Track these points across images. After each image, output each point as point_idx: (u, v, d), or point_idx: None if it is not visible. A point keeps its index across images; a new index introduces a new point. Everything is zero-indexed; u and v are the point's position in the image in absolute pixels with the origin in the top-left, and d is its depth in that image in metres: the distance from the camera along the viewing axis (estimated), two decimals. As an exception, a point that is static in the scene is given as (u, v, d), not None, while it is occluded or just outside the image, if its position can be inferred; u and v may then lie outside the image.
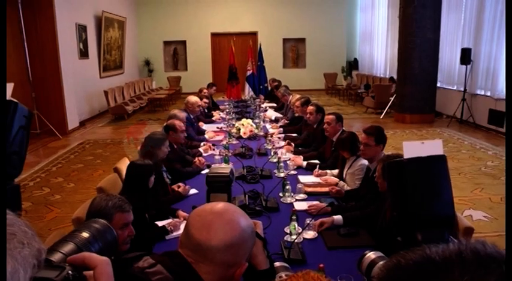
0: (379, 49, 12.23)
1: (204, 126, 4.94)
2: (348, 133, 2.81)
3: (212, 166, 2.43)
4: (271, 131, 4.60)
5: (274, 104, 7.08)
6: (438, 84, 8.37)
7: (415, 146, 1.00)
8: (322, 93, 13.55)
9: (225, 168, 1.87)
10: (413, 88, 7.93)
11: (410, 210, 1.00)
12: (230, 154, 3.47)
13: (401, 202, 1.02)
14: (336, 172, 2.99)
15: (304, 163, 3.20)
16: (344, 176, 2.80)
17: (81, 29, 8.82)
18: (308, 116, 3.84)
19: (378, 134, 2.41)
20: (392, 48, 10.65)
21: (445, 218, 0.99)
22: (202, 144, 3.94)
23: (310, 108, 3.79)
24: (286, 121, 5.06)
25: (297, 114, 4.66)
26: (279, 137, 4.17)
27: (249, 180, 2.82)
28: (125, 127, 8.41)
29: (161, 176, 2.57)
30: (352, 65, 13.97)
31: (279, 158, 3.15)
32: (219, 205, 0.79)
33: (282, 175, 2.94)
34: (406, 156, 1.03)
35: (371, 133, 2.42)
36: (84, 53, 8.95)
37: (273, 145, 3.75)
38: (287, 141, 3.90)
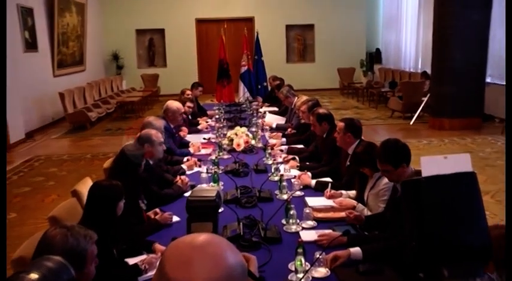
0: (408, 37, 12.35)
1: (187, 136, 5.00)
2: (365, 145, 2.85)
3: (195, 187, 2.47)
4: (271, 142, 4.66)
5: (276, 108, 7.15)
6: (488, 80, 7.97)
7: (437, 161, 1.02)
8: (335, 93, 13.73)
9: (210, 190, 1.91)
10: (454, 85, 7.62)
11: (431, 239, 0.99)
12: (220, 172, 3.51)
13: (419, 229, 1.03)
14: (353, 193, 3.03)
15: (313, 182, 3.24)
16: (365, 198, 2.83)
17: (26, 13, 8.34)
18: (312, 127, 3.91)
19: (394, 157, 2.36)
20: (425, 35, 10.66)
21: (478, 249, 0.97)
22: (185, 159, 3.99)
23: (312, 118, 3.85)
24: (290, 130, 5.13)
25: (303, 121, 4.73)
26: (282, 150, 4.23)
27: (244, 204, 2.86)
28: (87, 139, 8.42)
29: (134, 201, 2.61)
30: (374, 57, 14.19)
31: (282, 176, 3.18)
32: (201, 237, 0.77)
33: (285, 196, 2.98)
34: (424, 174, 1.03)
35: (385, 160, 2.37)
36: (31, 45, 8.61)
37: (274, 160, 3.80)
38: (288, 157, 3.95)
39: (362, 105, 11.53)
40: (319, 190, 3.14)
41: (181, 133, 4.96)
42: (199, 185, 3.19)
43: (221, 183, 3.33)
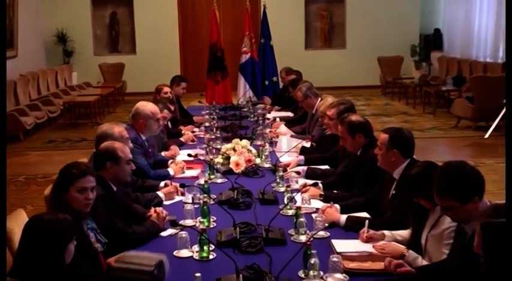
0: (483, 13, 12.05)
1: (166, 152, 5.04)
2: (422, 166, 2.87)
3: (125, 253, 2.56)
4: (284, 160, 4.69)
5: (290, 113, 7.21)
6: None
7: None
8: (375, 93, 13.86)
9: (147, 258, 1.90)
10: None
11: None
12: (212, 202, 3.54)
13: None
14: (402, 234, 3.05)
15: (343, 218, 3.26)
16: (423, 241, 2.84)
17: None
18: (341, 140, 3.95)
19: (459, 188, 2.36)
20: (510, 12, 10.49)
21: None
22: (162, 184, 4.02)
23: (341, 128, 3.89)
24: (310, 143, 5.17)
25: (329, 132, 4.77)
26: (299, 172, 4.26)
27: (245, 248, 2.88)
28: (20, 155, 8.50)
29: (86, 241, 2.63)
30: (432, 42, 14.32)
31: (298, 209, 3.21)
32: None
33: (303, 238, 3.00)
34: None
35: (446, 192, 2.38)
36: None
37: (288, 186, 3.83)
38: (307, 182, 3.96)
39: (413, 110, 11.60)
40: (351, 229, 3.16)
41: (169, 153, 5.01)
42: (181, 221, 3.21)
43: (213, 218, 3.35)
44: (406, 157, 3.28)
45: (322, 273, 2.58)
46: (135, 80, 13.56)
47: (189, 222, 3.25)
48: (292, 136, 5.60)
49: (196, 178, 4.21)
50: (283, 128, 5.97)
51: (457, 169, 2.42)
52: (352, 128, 3.82)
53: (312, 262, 2.56)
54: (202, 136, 5.81)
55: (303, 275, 2.59)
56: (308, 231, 3.08)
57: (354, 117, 3.89)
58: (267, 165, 4.59)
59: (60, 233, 2.20)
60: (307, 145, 5.15)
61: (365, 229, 3.03)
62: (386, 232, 3.05)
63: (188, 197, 3.70)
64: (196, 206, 3.45)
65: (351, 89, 13.66)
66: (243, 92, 9.33)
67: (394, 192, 3.27)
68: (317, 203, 3.60)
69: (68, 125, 10.80)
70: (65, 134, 9.97)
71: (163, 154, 4.96)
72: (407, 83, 12.75)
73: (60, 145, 9.24)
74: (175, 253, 2.86)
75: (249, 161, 4.42)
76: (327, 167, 4.52)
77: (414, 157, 3.36)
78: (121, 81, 13.50)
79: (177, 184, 3.98)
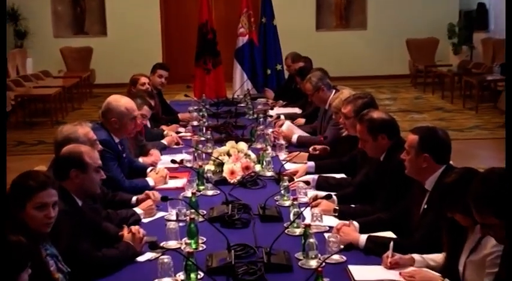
0: None
1: (144, 158, 5.06)
2: (460, 173, 2.88)
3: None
4: (291, 168, 4.72)
5: (297, 110, 7.24)
6: None
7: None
8: (403, 84, 13.90)
9: None
10: None
11: None
12: (201, 219, 3.55)
13: None
14: (434, 258, 3.06)
15: (362, 238, 3.28)
16: (460, 267, 2.85)
17: None
18: (360, 143, 3.97)
19: (501, 204, 2.34)
20: None
21: None
22: (134, 199, 4.03)
23: (360, 127, 3.90)
24: (322, 147, 5.18)
25: (345, 133, 4.80)
26: (308, 182, 4.27)
27: (241, 276, 2.90)
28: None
29: (44, 270, 2.65)
30: (475, 20, 14.29)
31: (308, 227, 3.21)
32: None
33: (313, 263, 3.01)
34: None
35: (488, 207, 2.37)
36: None
37: (295, 199, 3.84)
38: (318, 194, 3.98)
39: (450, 105, 11.64)
40: (373, 252, 3.17)
41: (148, 159, 5.03)
42: (163, 243, 3.24)
43: (202, 239, 3.37)
44: (440, 163, 3.29)
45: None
46: (106, 68, 13.63)
47: (172, 244, 3.27)
48: (300, 139, 5.63)
49: (182, 189, 4.23)
50: (288, 126, 5.99)
51: (501, 178, 2.40)
52: (373, 128, 3.83)
53: (325, 293, 2.60)
54: (189, 138, 5.84)
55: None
56: (319, 255, 3.08)
57: (375, 115, 3.90)
58: (268, 173, 4.61)
59: (13, 260, 2.21)
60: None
61: (390, 252, 3.03)
62: (416, 256, 3.05)
63: (172, 213, 3.71)
64: (181, 224, 3.47)
65: (373, 79, 13.70)
66: (240, 83, 9.33)
67: (425, 206, 3.29)
68: (330, 220, 3.62)
69: (21, 124, 10.85)
70: (18, 136, 10.01)
71: (140, 159, 4.98)
72: (443, 71, 12.78)
73: (12, 149, 9.23)
74: (155, 282, 2.89)
75: (247, 168, 4.44)
76: (342, 175, 4.54)
77: (451, 163, 3.38)
78: (88, 70, 13.57)
79: (158, 196, 3.99)
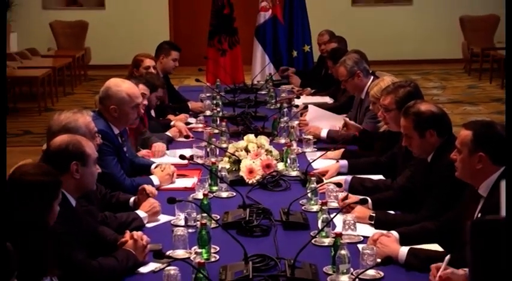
0: None
1: (146, 151, 5.12)
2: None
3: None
4: (320, 167, 4.73)
5: (327, 99, 7.24)
6: None
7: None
8: (455, 69, 13.87)
9: None
10: None
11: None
12: (214, 225, 3.58)
13: None
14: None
15: (404, 251, 3.27)
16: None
17: None
18: (404, 139, 3.94)
19: None
20: None
21: None
22: (131, 201, 4.05)
23: (404, 121, 3.89)
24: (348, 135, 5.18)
25: (384, 127, 4.78)
26: (340, 184, 4.29)
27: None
28: None
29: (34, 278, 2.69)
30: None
31: (339, 236, 3.23)
32: None
33: (344, 279, 3.03)
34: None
35: None
36: None
37: (324, 204, 3.83)
38: (352, 198, 3.99)
39: None
40: (415, 267, 3.18)
41: (148, 152, 5.10)
42: (169, 252, 3.26)
43: (214, 248, 3.38)
44: (498, 164, 3.26)
45: None
46: (103, 46, 13.71)
47: (180, 253, 3.28)
48: (330, 134, 5.62)
49: (192, 190, 4.26)
50: (313, 113, 6.01)
51: None
52: (420, 123, 3.79)
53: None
54: (200, 130, 5.88)
55: None
56: (352, 269, 3.09)
57: (423, 107, 3.86)
58: (293, 173, 4.62)
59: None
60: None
61: (444, 264, 2.96)
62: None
63: (180, 218, 3.74)
64: (191, 230, 3.49)
65: (419, 63, 13.66)
66: (261, 67, 9.34)
67: (479, 215, 3.27)
68: (366, 229, 3.63)
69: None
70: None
71: (141, 153, 5.02)
72: (503, 55, 12.66)
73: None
74: (160, 297, 2.90)
75: (268, 166, 4.45)
76: (380, 177, 4.54)
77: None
78: (83, 49, 13.62)
79: (149, 187, 4.06)
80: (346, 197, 3.90)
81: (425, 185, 3.84)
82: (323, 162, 4.84)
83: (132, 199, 4.04)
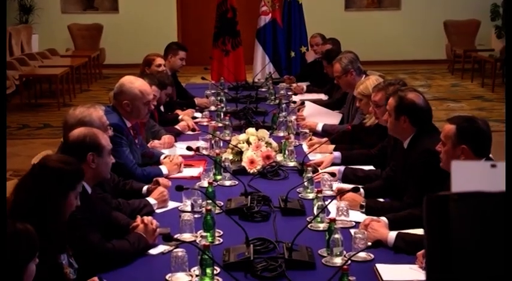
0: None
1: (158, 142, 5.14)
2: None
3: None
4: (315, 158, 4.74)
5: (323, 96, 7.23)
6: None
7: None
8: (439, 69, 13.85)
9: None
10: None
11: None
12: (218, 211, 3.59)
13: (442, 264, 1.33)
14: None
15: (392, 235, 3.26)
16: None
17: None
18: (389, 128, 3.97)
19: None
20: None
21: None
22: (145, 189, 4.06)
23: (391, 100, 3.87)
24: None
25: (371, 122, 4.82)
26: (333, 174, 4.27)
27: (260, 273, 2.93)
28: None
29: (56, 263, 2.70)
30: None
31: (333, 221, 3.22)
32: None
33: (338, 261, 3.03)
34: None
35: None
36: None
37: (319, 191, 3.82)
38: (344, 187, 4.00)
39: (491, 94, 11.55)
40: (403, 250, 3.18)
41: (159, 143, 5.10)
42: (177, 235, 3.27)
43: (218, 232, 3.41)
44: (479, 156, 3.26)
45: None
46: (117, 47, 13.68)
47: (187, 236, 3.30)
48: (326, 127, 5.62)
49: (198, 178, 4.27)
50: (309, 109, 6.01)
51: None
52: (399, 107, 3.80)
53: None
54: (205, 124, 5.89)
55: None
56: (345, 252, 3.10)
57: (410, 95, 3.82)
58: (291, 163, 4.62)
59: (20, 250, 2.27)
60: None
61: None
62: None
63: (186, 204, 3.75)
64: (197, 215, 3.50)
65: (406, 64, 13.64)
66: (261, 66, 9.33)
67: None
68: (357, 215, 3.64)
69: (25, 106, 10.92)
70: (22, 118, 10.09)
71: (151, 144, 5.04)
72: (484, 56, 12.65)
73: (15, 132, 9.32)
74: (168, 276, 2.92)
75: (268, 157, 4.46)
76: (371, 167, 4.55)
77: (491, 156, 3.36)
78: (98, 49, 13.59)
79: (164, 179, 4.08)
80: (342, 191, 3.91)
81: (403, 170, 3.86)
82: (318, 154, 4.85)
83: (145, 187, 4.06)
